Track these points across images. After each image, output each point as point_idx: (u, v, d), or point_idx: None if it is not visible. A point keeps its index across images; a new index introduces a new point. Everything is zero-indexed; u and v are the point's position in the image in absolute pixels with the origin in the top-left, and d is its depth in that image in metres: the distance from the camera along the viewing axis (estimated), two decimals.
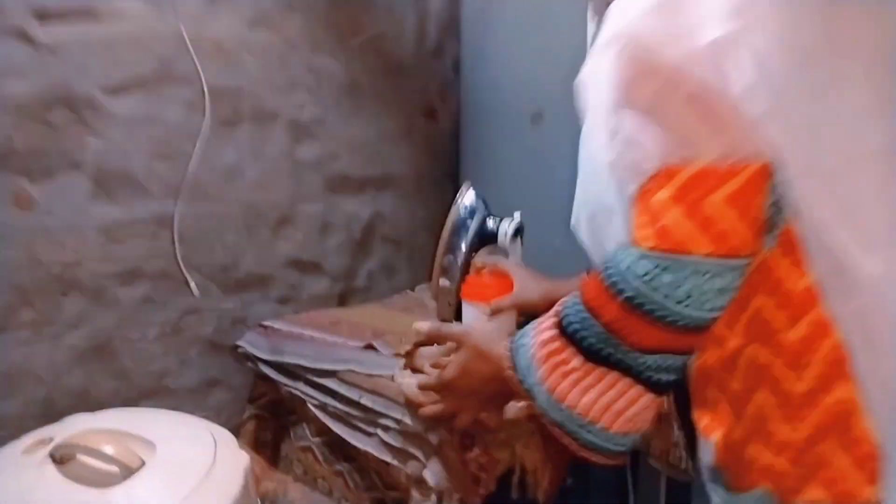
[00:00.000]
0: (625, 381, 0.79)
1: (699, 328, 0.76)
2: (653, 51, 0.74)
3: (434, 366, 1.18)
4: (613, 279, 0.77)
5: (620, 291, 0.76)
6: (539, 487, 1.20)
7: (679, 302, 0.74)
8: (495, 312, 1.25)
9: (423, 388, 1.12)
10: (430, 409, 1.11)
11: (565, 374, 0.82)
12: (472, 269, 1.38)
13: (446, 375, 1.07)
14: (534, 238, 1.87)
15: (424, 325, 1.14)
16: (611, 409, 0.80)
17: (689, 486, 1.46)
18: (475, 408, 1.08)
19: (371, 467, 1.29)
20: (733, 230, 0.73)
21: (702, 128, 0.72)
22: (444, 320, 1.37)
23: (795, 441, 0.78)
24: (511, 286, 1.29)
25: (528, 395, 0.87)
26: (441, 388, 1.09)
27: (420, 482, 1.13)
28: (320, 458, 1.39)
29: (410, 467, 1.16)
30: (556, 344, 0.83)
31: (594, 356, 0.80)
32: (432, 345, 1.22)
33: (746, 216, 0.73)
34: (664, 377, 0.79)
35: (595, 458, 0.84)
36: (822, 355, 0.76)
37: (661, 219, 0.74)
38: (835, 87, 0.74)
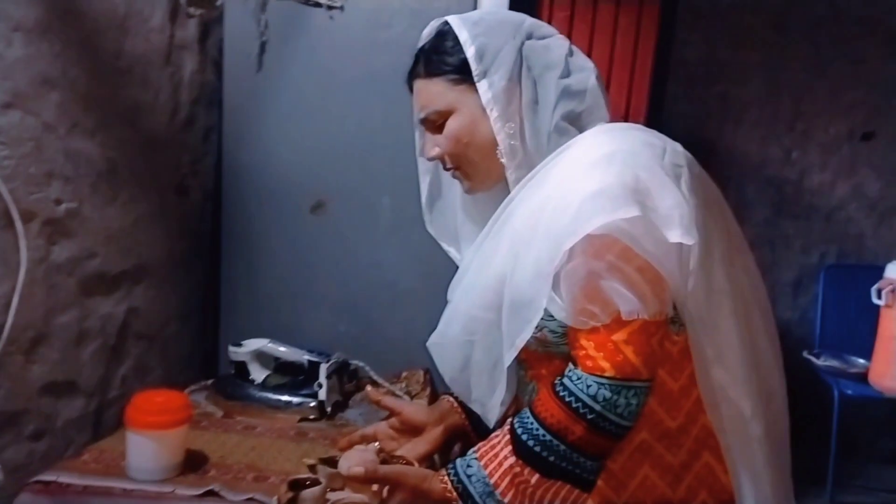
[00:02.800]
0: (570, 489, 0.97)
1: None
2: (633, 239, 0.92)
3: None
4: (577, 405, 0.94)
5: (584, 415, 0.94)
6: None
7: (624, 418, 0.95)
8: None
9: None
10: None
11: (526, 494, 0.97)
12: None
13: None
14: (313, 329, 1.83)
15: (357, 469, 1.04)
16: None
17: None
18: None
19: None
20: (658, 362, 0.98)
21: (647, 290, 0.93)
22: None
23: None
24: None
25: None
26: None
27: None
28: None
29: None
30: (517, 468, 0.97)
31: (549, 473, 0.96)
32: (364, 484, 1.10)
33: (664, 351, 0.99)
34: (595, 477, 0.98)
35: None
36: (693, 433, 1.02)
37: (618, 356, 0.94)
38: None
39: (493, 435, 1.04)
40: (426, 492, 1.02)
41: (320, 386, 1.60)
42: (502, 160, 1.04)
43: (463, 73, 1.05)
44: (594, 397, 0.93)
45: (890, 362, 2.69)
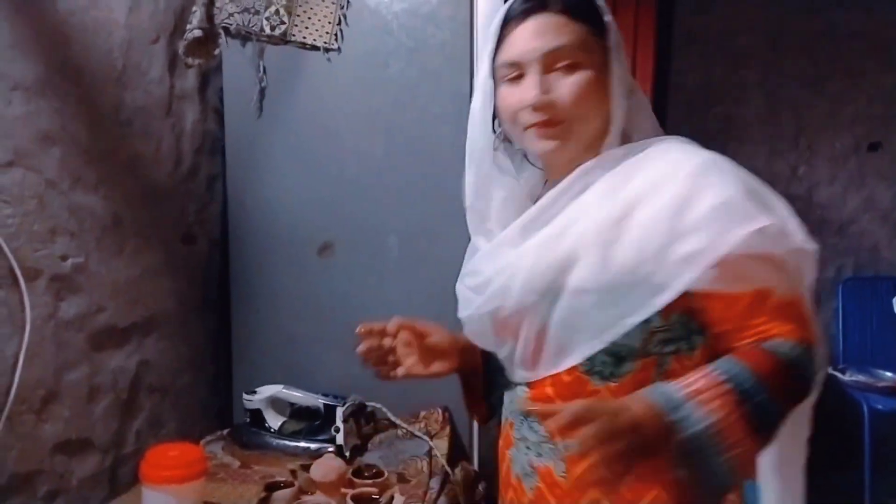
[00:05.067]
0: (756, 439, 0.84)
1: None
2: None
3: None
4: (802, 370, 0.87)
5: (803, 377, 0.87)
6: None
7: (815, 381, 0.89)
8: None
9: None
10: None
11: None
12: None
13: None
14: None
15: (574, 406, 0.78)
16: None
17: None
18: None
19: None
20: None
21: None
22: None
23: None
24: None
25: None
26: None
27: None
28: None
29: None
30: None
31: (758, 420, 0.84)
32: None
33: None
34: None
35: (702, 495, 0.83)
36: None
37: (811, 326, 0.90)
38: None
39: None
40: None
41: (338, 430, 1.57)
42: (612, 126, 0.98)
43: (600, 30, 0.98)
44: (811, 364, 0.88)
45: None
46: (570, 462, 0.94)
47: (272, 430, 1.62)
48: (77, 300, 1.46)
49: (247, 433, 1.64)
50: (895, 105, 3.27)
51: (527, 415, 1.01)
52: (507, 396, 1.08)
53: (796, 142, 3.32)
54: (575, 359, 0.94)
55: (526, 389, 1.02)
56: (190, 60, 1.79)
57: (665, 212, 0.89)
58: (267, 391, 1.64)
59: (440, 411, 1.78)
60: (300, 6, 1.81)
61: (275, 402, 1.66)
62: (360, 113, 1.82)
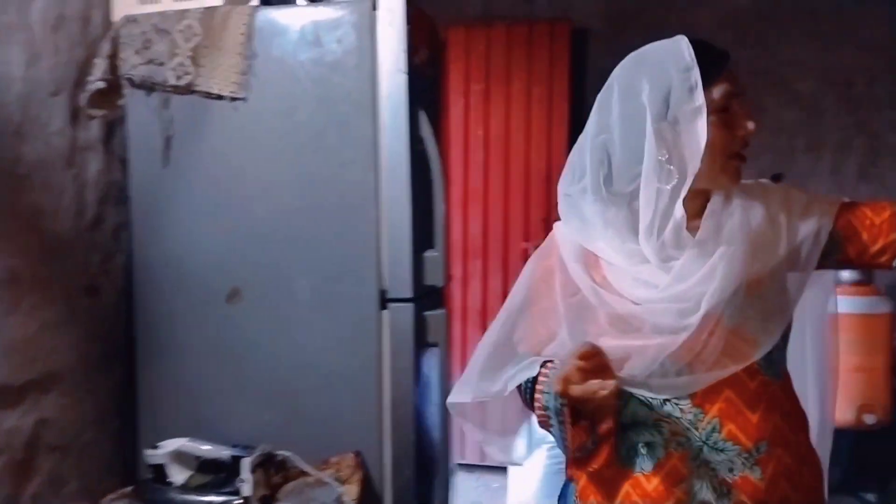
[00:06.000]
0: None
1: None
2: None
3: None
4: None
5: None
6: None
7: None
8: None
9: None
10: None
11: None
12: None
13: None
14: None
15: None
16: None
17: None
18: None
19: None
20: None
21: None
22: None
23: None
24: None
25: None
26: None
27: None
28: None
29: None
30: None
31: None
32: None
33: None
34: None
35: None
36: None
37: None
38: None
39: None
40: None
41: (243, 482, 1.55)
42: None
43: None
44: None
45: None
46: (762, 463, 1.02)
47: (175, 485, 1.59)
48: None
49: (150, 490, 1.60)
50: (795, 138, 3.46)
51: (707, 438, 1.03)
52: (672, 427, 1.05)
53: None
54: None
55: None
56: (93, 112, 1.78)
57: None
58: (171, 445, 1.62)
59: (352, 456, 1.77)
60: (205, 56, 1.82)
61: (180, 456, 1.63)
62: (268, 160, 1.83)
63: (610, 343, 1.03)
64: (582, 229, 1.11)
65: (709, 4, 3.41)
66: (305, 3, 1.91)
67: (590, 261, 1.11)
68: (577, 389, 0.95)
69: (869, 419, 2.72)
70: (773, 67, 3.40)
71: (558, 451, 1.18)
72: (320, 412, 1.81)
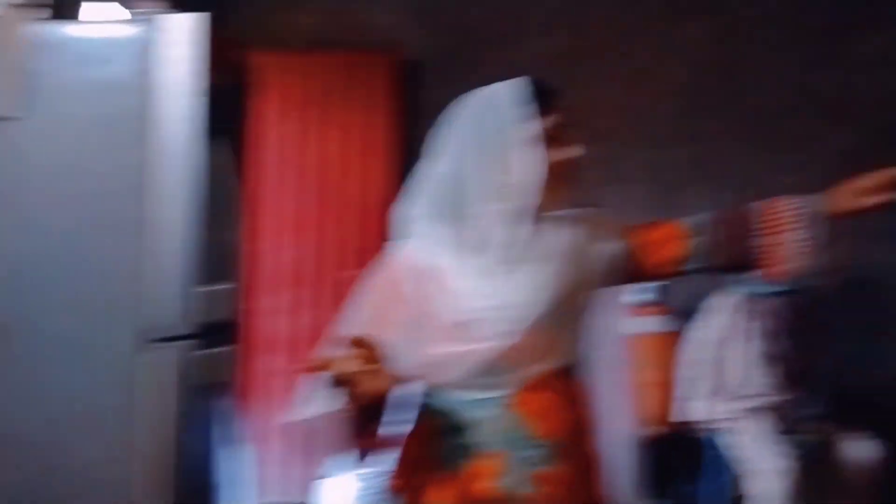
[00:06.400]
0: None
1: None
2: None
3: None
4: None
5: None
6: None
7: None
8: None
9: None
10: None
11: None
12: None
13: None
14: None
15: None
16: None
17: None
18: None
19: None
20: None
21: None
22: None
23: None
24: None
25: None
26: None
27: None
28: None
29: None
30: None
31: None
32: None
33: None
34: None
35: None
36: None
37: None
38: None
39: None
40: None
41: None
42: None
43: None
44: None
45: None
46: (561, 459, 1.14)
47: None
48: None
49: None
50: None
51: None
52: (488, 426, 1.14)
53: None
54: None
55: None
56: None
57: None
58: None
59: None
60: None
61: None
62: (35, 187, 1.70)
63: (447, 349, 1.14)
64: (425, 248, 1.20)
65: (528, 44, 3.56)
66: (93, 18, 1.80)
67: (432, 275, 1.19)
68: (337, 366, 1.00)
69: (659, 430, 2.93)
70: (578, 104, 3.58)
71: (371, 480, 1.24)
72: (69, 468, 1.64)
